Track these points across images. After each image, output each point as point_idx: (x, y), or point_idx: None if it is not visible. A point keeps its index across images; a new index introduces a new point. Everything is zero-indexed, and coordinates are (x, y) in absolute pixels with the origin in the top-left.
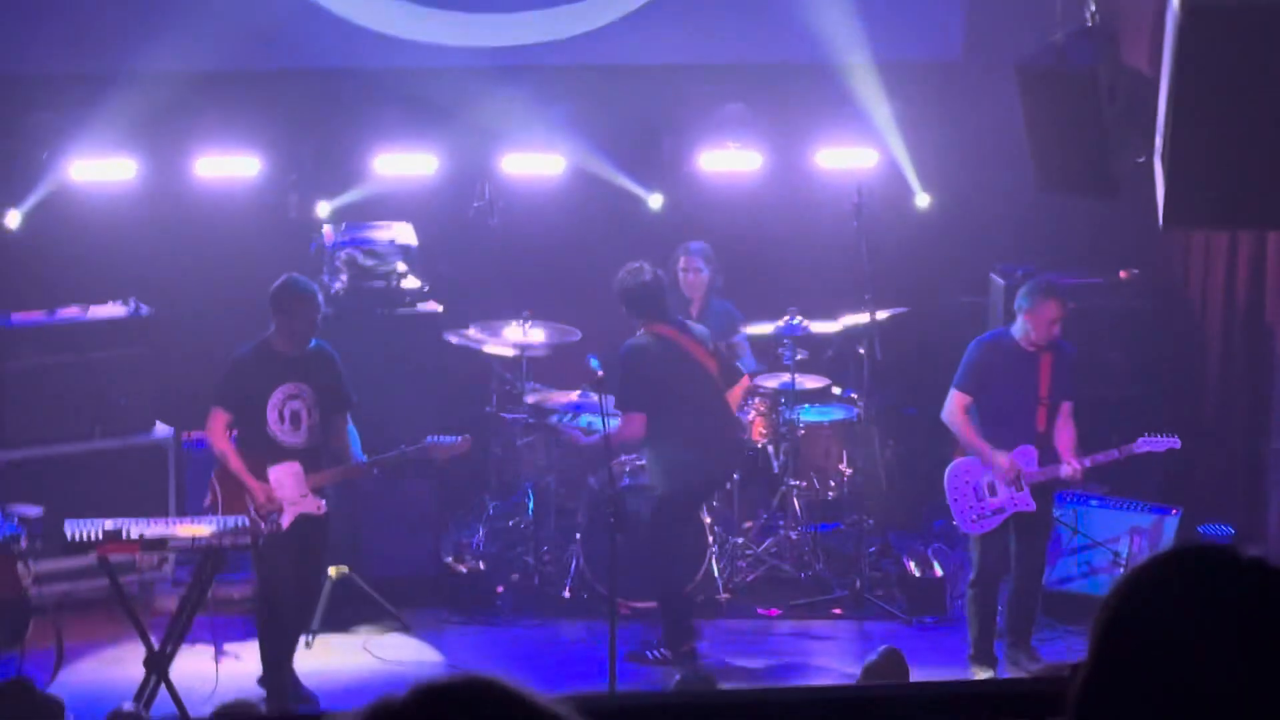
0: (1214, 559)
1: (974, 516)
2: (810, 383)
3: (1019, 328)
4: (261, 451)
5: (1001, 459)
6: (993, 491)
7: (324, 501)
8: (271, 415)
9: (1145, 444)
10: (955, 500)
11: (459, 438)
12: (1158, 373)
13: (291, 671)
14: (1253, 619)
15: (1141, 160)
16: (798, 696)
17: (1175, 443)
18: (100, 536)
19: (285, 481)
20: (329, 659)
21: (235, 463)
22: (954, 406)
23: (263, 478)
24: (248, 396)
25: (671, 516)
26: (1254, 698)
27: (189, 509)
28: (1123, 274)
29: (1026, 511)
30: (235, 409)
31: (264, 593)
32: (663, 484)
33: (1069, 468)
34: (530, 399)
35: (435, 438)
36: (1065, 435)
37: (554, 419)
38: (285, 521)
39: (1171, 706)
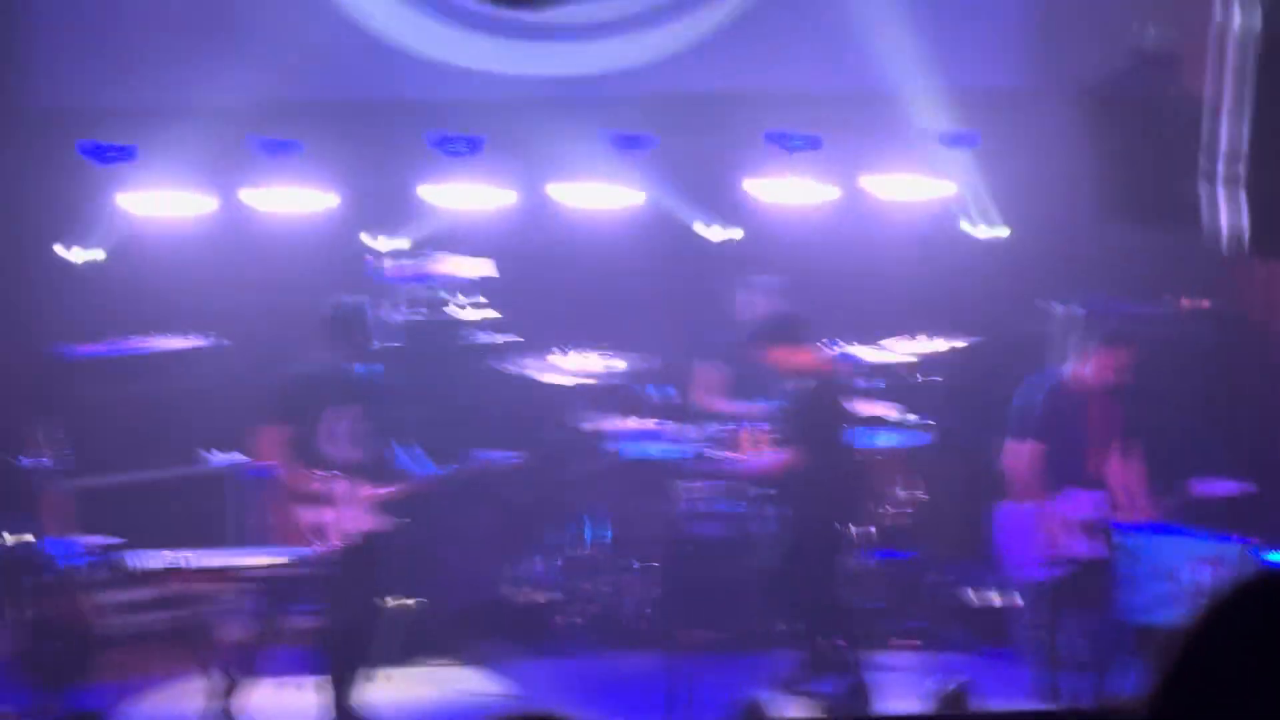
0: None
1: (1021, 562)
2: (879, 410)
3: (1073, 365)
4: (313, 470)
5: (1059, 507)
6: (1059, 538)
7: (377, 519)
8: (323, 435)
9: (1201, 487)
10: (1005, 545)
11: (514, 455)
12: (1224, 404)
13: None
14: None
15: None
16: None
17: (1234, 488)
18: (165, 567)
19: (342, 501)
20: (393, 692)
21: (293, 482)
22: (1018, 459)
23: (316, 498)
24: (301, 413)
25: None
26: None
27: (250, 538)
28: (1185, 302)
29: (1091, 558)
30: (289, 427)
31: (333, 618)
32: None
33: (1128, 511)
34: (588, 426)
35: (488, 454)
36: (1126, 475)
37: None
38: (345, 538)
39: None
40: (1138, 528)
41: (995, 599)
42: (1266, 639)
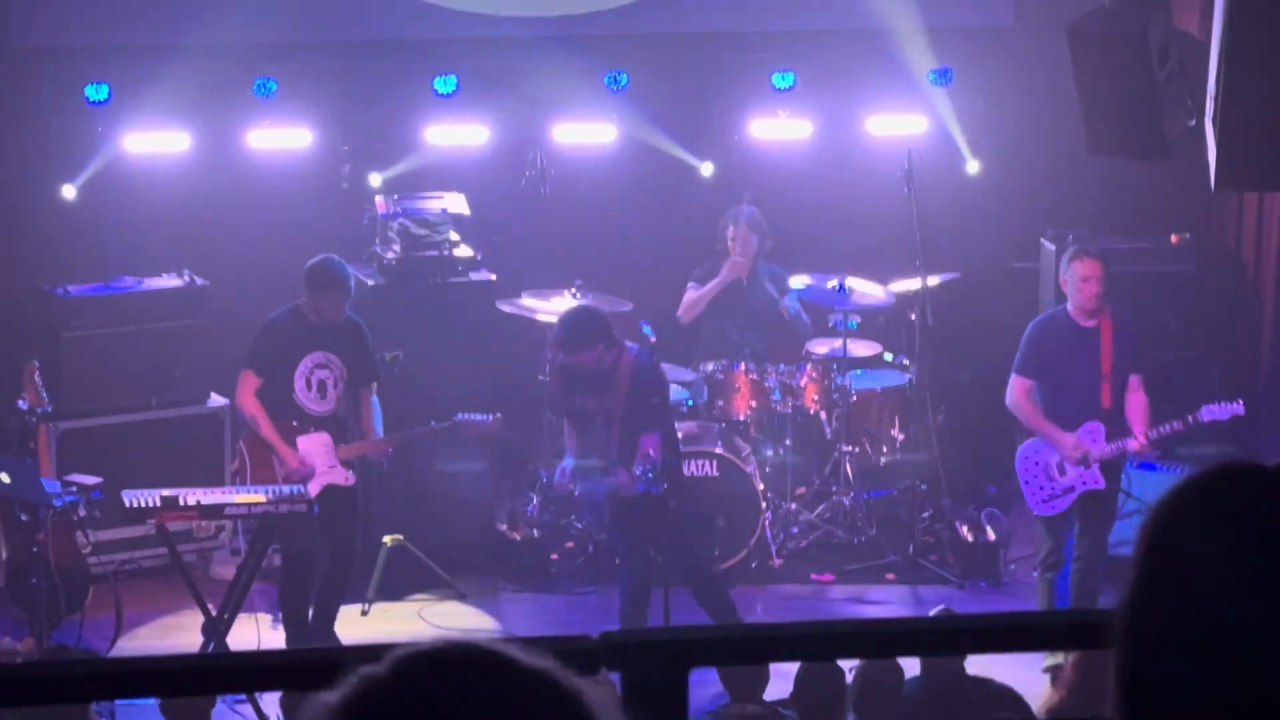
0: (1243, 471)
1: (1045, 497)
2: (862, 349)
3: (1068, 300)
4: (288, 419)
5: (1067, 440)
6: (1062, 471)
7: (351, 473)
8: (299, 383)
9: (1209, 412)
10: (1027, 482)
11: (490, 416)
12: (1211, 337)
13: (336, 639)
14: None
15: (1193, 123)
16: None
17: (1239, 409)
18: (158, 504)
19: (314, 451)
20: (385, 627)
21: (267, 428)
22: (1016, 392)
23: (290, 444)
24: (277, 361)
25: None
26: None
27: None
28: (1174, 238)
29: (1096, 490)
30: (265, 373)
31: (286, 561)
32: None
33: (1136, 442)
34: None
35: (466, 415)
36: (1137, 408)
37: None
38: (312, 491)
39: (1208, 624)
40: (1130, 464)
41: (986, 534)
42: (1227, 524)
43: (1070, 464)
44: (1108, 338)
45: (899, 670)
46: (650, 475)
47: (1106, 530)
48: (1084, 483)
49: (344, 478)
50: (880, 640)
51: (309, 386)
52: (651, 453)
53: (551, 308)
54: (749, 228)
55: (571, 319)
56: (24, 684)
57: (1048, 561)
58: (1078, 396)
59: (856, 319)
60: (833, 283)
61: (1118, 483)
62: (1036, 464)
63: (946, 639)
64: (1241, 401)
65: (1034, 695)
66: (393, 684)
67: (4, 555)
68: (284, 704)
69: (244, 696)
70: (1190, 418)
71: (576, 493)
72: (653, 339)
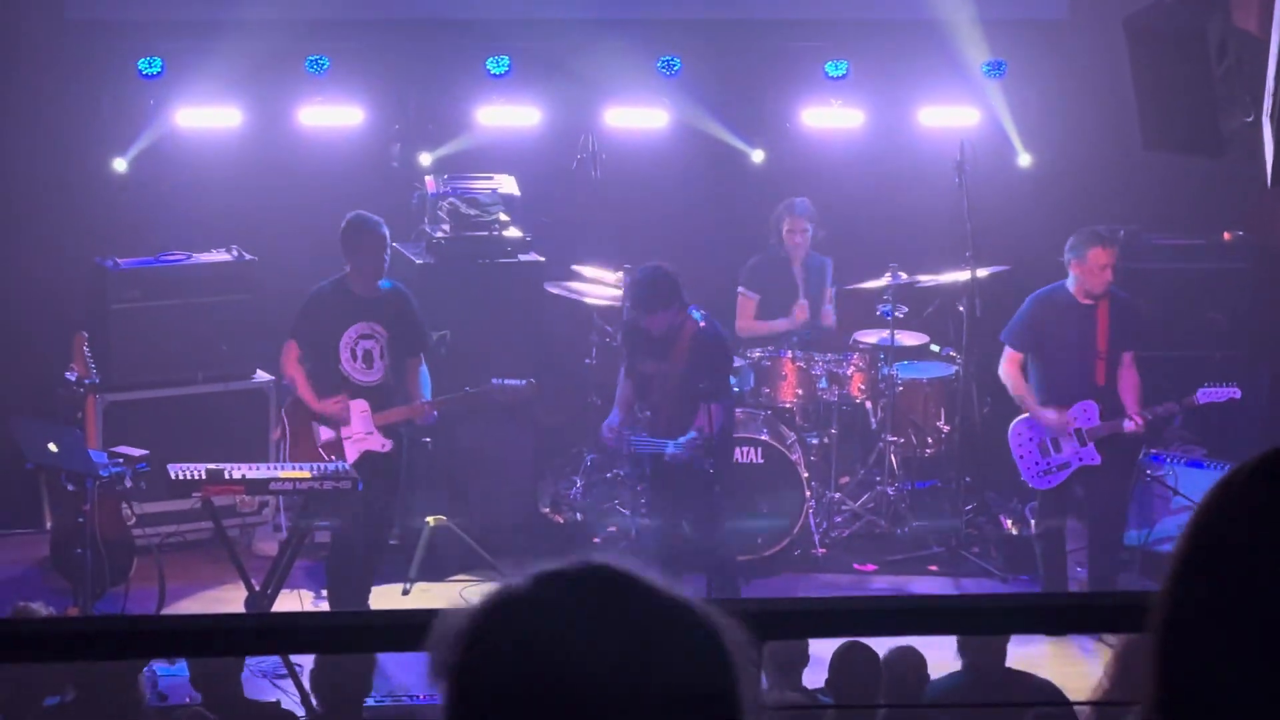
0: None
1: (1039, 472)
2: (909, 339)
3: (1071, 279)
4: (334, 389)
5: (1049, 415)
6: (1057, 447)
7: (390, 441)
8: (344, 354)
9: (1205, 395)
10: (1021, 457)
11: (524, 381)
12: (1262, 335)
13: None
14: None
15: (1249, 120)
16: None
17: (1235, 392)
18: (203, 477)
19: (352, 417)
20: (425, 607)
21: (303, 387)
22: (1007, 364)
23: (331, 413)
24: (321, 332)
25: None
26: None
27: (280, 453)
28: (1227, 235)
29: (1092, 465)
30: (308, 343)
31: (334, 539)
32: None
33: (1131, 422)
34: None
35: (500, 380)
36: (1128, 387)
37: None
38: (350, 457)
39: (1246, 616)
40: (1175, 459)
41: (1030, 527)
42: (1266, 516)
43: (1065, 439)
44: (1104, 316)
45: (922, 660)
46: (698, 445)
47: (1112, 510)
48: (1079, 459)
49: (380, 444)
50: (951, 617)
51: (354, 357)
52: (705, 425)
53: (599, 291)
54: (805, 218)
55: (648, 278)
56: (73, 639)
57: (1046, 535)
58: (1073, 373)
59: (904, 309)
60: (900, 274)
61: (1123, 462)
62: (1030, 439)
63: (1015, 616)
64: (1237, 386)
65: (1072, 690)
66: (532, 596)
67: (50, 525)
68: (314, 679)
69: (284, 670)
70: (1185, 400)
71: (626, 449)
72: (701, 324)
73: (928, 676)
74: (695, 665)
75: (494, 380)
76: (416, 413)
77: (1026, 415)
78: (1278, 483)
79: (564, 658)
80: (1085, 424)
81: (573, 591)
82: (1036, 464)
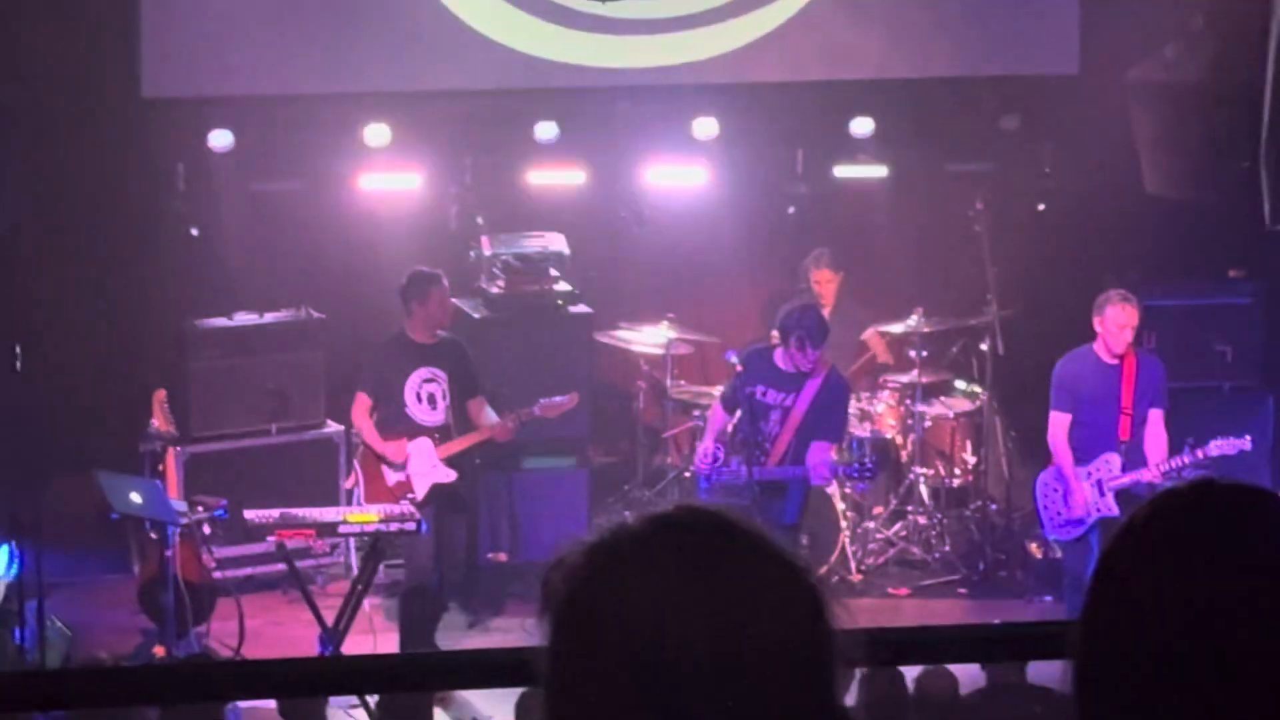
0: (1189, 496)
1: (1060, 523)
2: (936, 378)
3: (1098, 339)
4: (402, 431)
5: (1078, 495)
6: (1079, 501)
7: (455, 472)
8: (410, 397)
9: (1218, 447)
10: (1045, 507)
11: (567, 396)
12: (1267, 367)
13: (435, 647)
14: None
15: (1247, 165)
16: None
17: (1247, 444)
18: (277, 520)
19: (416, 454)
20: (490, 641)
21: (370, 434)
22: (1057, 429)
23: (399, 457)
24: (387, 380)
25: None
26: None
27: (350, 499)
28: (1231, 273)
29: (1110, 517)
30: (375, 393)
31: (409, 573)
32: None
33: (1149, 473)
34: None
35: (547, 399)
36: (1154, 443)
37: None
38: (419, 493)
39: (1137, 648)
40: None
41: (1053, 551)
42: (1182, 544)
43: (1090, 494)
44: (1130, 373)
45: (953, 678)
46: (840, 471)
47: None
48: (1098, 510)
49: (446, 475)
50: (971, 645)
51: (419, 399)
52: (827, 459)
53: (644, 339)
54: (832, 268)
55: (817, 317)
56: (165, 681)
57: (1066, 584)
58: (1097, 429)
59: (925, 352)
60: (922, 318)
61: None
62: (1055, 490)
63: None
64: (1249, 437)
65: None
66: (646, 536)
67: (137, 570)
68: (380, 707)
69: (357, 700)
70: (1200, 452)
71: (720, 479)
72: (740, 368)
73: (958, 696)
74: (790, 621)
75: (541, 400)
76: (497, 432)
77: (1054, 466)
78: (1171, 521)
79: (663, 614)
80: (1106, 475)
81: (681, 531)
82: (1059, 514)
